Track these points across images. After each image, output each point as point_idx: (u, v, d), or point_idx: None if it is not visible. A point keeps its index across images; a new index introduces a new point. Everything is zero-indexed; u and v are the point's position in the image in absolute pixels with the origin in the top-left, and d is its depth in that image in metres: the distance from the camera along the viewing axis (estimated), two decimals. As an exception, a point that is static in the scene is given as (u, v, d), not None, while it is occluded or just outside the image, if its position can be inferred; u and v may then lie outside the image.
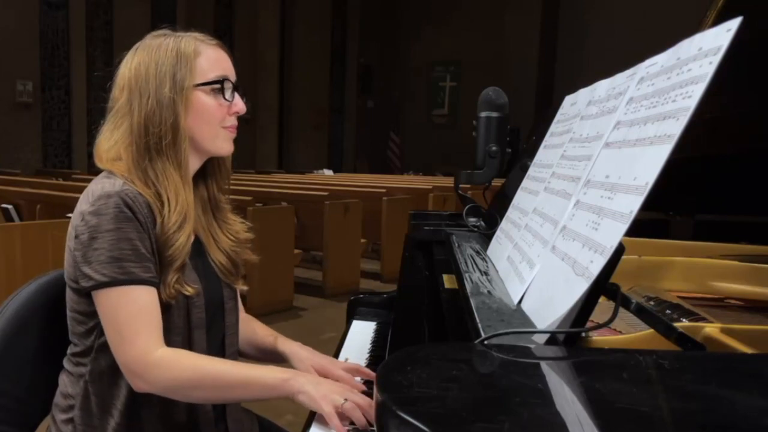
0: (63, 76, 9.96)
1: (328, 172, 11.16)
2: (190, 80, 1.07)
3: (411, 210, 1.98)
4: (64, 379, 1.14)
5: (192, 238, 1.10)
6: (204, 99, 1.09)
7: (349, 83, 15.33)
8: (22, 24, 9.27)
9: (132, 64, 1.09)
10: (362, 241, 5.49)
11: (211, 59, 1.10)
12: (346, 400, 0.96)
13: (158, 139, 1.06)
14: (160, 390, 1.01)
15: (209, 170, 1.19)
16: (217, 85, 1.09)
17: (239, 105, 1.13)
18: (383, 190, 6.42)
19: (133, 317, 1.00)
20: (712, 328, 0.82)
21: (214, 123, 1.10)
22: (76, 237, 1.03)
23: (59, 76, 9.92)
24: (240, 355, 1.30)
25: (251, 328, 1.30)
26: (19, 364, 1.18)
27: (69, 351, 1.14)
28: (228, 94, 1.11)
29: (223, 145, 1.13)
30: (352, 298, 1.64)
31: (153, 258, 1.04)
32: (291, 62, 13.59)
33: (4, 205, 4.42)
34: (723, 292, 1.13)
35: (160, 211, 1.05)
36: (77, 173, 8.17)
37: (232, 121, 1.13)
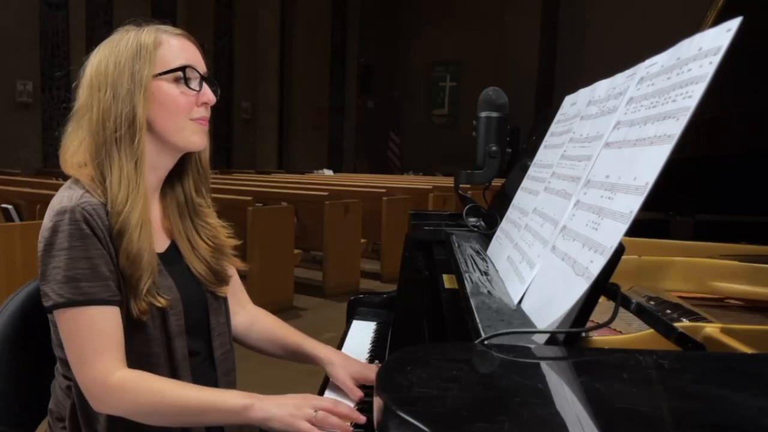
0: (63, 76, 9.96)
1: (328, 172, 11.16)
2: (149, 71, 1.02)
3: (411, 210, 1.98)
4: (56, 389, 1.12)
5: (149, 232, 1.04)
6: (165, 89, 1.04)
7: (349, 83, 15.33)
8: (22, 24, 9.27)
9: (93, 63, 1.06)
10: (362, 241, 5.49)
11: (174, 49, 1.05)
12: (316, 411, 0.94)
13: (113, 132, 1.01)
14: (119, 413, 0.99)
15: (185, 170, 1.14)
16: (179, 73, 1.04)
17: (207, 95, 1.07)
18: (383, 190, 6.42)
19: (91, 339, 0.97)
20: (712, 328, 0.82)
21: (179, 114, 1.04)
22: (39, 252, 1.00)
23: (59, 76, 9.92)
24: (258, 352, 1.28)
25: (269, 325, 1.27)
26: (19, 364, 1.18)
27: (57, 362, 1.11)
28: (193, 84, 1.05)
29: (190, 138, 1.06)
30: (352, 298, 1.64)
31: (114, 275, 1.00)
32: (291, 62, 13.59)
33: (4, 205, 4.41)
34: (723, 292, 1.13)
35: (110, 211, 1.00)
36: (77, 173, 8.15)
37: (201, 113, 1.07)
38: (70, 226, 0.97)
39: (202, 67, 1.08)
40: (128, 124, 1.01)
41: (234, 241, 1.20)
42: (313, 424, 0.94)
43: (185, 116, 1.05)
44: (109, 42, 1.07)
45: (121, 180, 1.01)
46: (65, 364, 1.06)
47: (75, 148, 1.06)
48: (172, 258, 1.11)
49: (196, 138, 1.07)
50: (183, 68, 1.04)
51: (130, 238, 1.00)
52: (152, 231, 1.05)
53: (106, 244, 0.99)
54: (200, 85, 1.06)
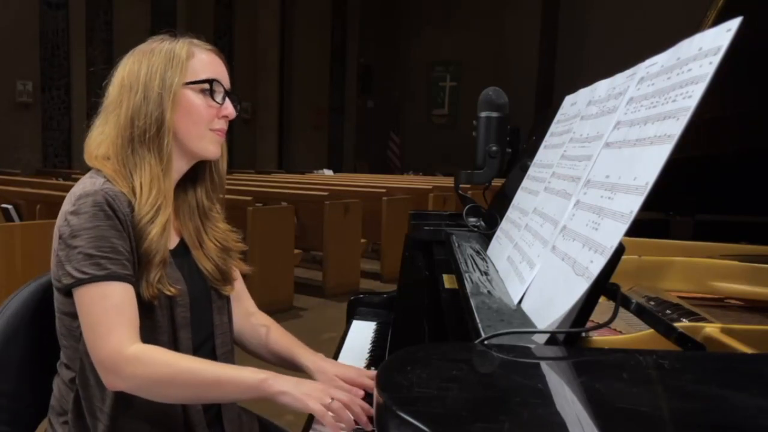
0: (63, 76, 9.96)
1: (328, 172, 11.15)
2: (180, 79, 1.09)
3: (411, 210, 1.98)
4: (57, 384, 1.14)
5: (170, 236, 1.10)
6: (192, 97, 1.10)
7: (349, 83, 15.32)
8: (22, 24, 9.27)
9: (126, 65, 1.12)
10: (362, 241, 5.49)
11: (204, 62, 1.12)
12: (332, 399, 0.94)
13: (142, 132, 1.07)
14: (133, 387, 0.99)
15: (199, 177, 1.20)
16: (206, 85, 1.11)
17: (229, 109, 1.13)
18: (383, 190, 6.42)
19: (106, 313, 0.99)
20: (712, 328, 0.82)
21: (201, 123, 1.11)
22: (60, 237, 1.03)
23: (59, 76, 9.92)
24: (257, 358, 1.28)
25: (268, 332, 1.27)
26: (19, 364, 1.18)
27: (61, 355, 1.13)
28: (218, 97, 1.12)
29: (208, 146, 1.13)
30: (352, 298, 1.64)
31: (132, 257, 1.04)
32: (291, 62, 13.58)
33: (4, 205, 4.41)
34: (723, 292, 1.13)
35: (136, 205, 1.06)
36: (77, 173, 8.16)
37: (221, 125, 1.13)
38: (93, 207, 1.01)
39: (226, 83, 1.14)
40: (157, 126, 1.07)
41: (242, 246, 1.24)
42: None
43: (206, 126, 1.12)
44: (143, 48, 1.13)
45: (151, 182, 1.07)
46: (70, 352, 1.09)
47: (100, 141, 1.11)
48: (180, 254, 1.15)
49: (212, 147, 1.13)
50: (210, 81, 1.11)
51: (151, 240, 1.05)
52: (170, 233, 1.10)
53: (126, 228, 1.03)
54: (223, 99, 1.13)
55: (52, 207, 4.25)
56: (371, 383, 1.06)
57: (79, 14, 10.00)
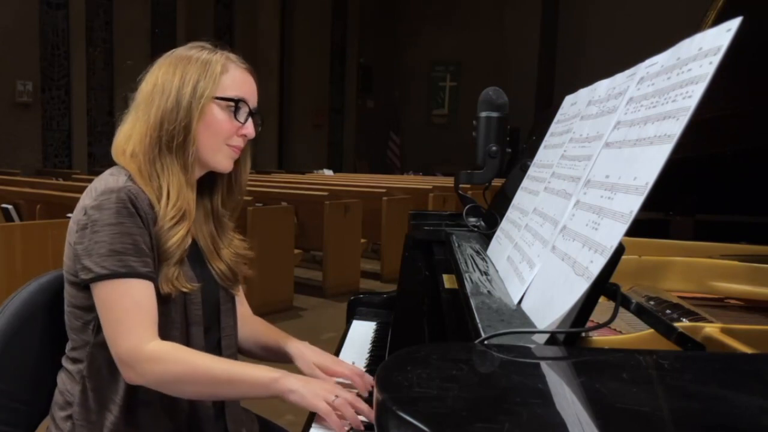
0: (63, 76, 9.95)
1: (328, 172, 11.15)
2: (210, 91, 1.11)
3: (411, 210, 1.98)
4: (62, 377, 1.15)
5: (189, 239, 1.12)
6: (217, 112, 1.12)
7: (349, 83, 15.32)
8: (22, 24, 9.25)
9: (162, 66, 1.14)
10: (362, 241, 5.49)
11: (237, 79, 1.15)
12: (337, 396, 0.96)
13: (170, 137, 1.10)
14: (151, 382, 1.02)
15: (217, 183, 1.22)
16: (233, 104, 1.13)
17: (249, 129, 1.15)
18: (383, 190, 6.42)
19: (128, 310, 1.01)
20: (712, 328, 0.82)
21: (220, 137, 1.13)
22: (78, 230, 1.05)
23: (59, 76, 9.91)
24: (249, 356, 1.30)
25: (257, 329, 1.30)
26: (19, 364, 1.18)
27: (67, 348, 1.15)
28: (241, 116, 1.14)
29: (221, 160, 1.15)
30: (352, 298, 1.64)
31: (152, 254, 1.06)
32: (291, 62, 13.58)
33: (4, 205, 4.41)
34: (723, 292, 1.13)
35: (160, 206, 1.08)
36: (77, 173, 8.16)
37: (238, 142, 1.16)
38: (117, 204, 1.03)
39: (253, 103, 1.17)
40: (185, 134, 1.10)
41: (249, 253, 1.27)
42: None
43: (224, 140, 1.14)
44: (181, 53, 1.15)
45: (179, 190, 1.10)
46: (79, 345, 1.11)
47: (129, 135, 1.14)
48: (193, 255, 1.17)
49: (225, 161, 1.16)
50: (237, 100, 1.13)
51: (173, 243, 1.07)
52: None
53: (146, 225, 1.06)
54: (246, 119, 1.15)
55: (52, 207, 4.26)
56: (342, 370, 1.12)
57: (79, 14, 9.98)
